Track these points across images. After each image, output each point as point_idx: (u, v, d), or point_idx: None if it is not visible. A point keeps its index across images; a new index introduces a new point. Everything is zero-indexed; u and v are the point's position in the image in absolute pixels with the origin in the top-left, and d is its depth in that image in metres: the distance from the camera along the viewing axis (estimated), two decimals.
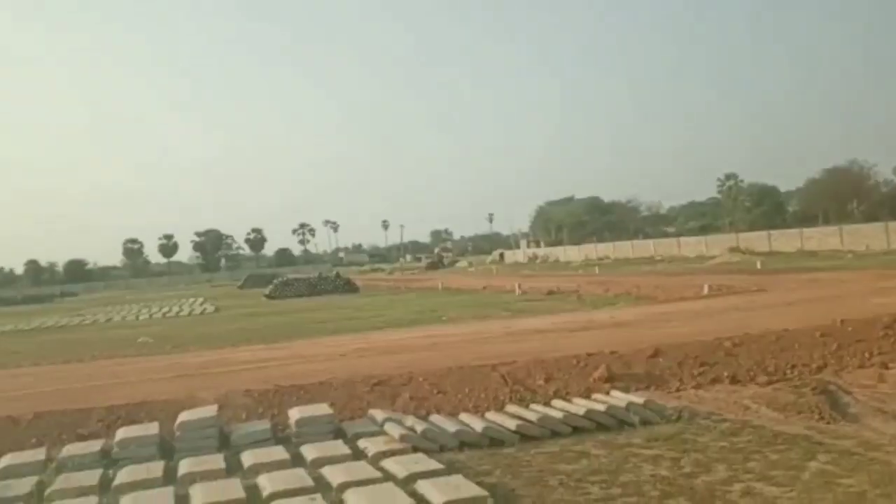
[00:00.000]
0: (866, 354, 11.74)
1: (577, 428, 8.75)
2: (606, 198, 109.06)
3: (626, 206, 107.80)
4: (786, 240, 54.79)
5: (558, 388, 10.54)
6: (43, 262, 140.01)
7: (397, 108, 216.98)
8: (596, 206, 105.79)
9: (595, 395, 9.92)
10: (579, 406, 9.25)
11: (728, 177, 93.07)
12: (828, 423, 8.69)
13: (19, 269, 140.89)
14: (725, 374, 11.13)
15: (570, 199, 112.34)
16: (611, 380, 10.74)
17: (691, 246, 63.99)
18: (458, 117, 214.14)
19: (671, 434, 8.33)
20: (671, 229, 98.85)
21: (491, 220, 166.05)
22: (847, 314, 13.54)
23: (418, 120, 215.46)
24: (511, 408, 9.62)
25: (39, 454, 8.51)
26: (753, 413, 9.24)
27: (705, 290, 23.14)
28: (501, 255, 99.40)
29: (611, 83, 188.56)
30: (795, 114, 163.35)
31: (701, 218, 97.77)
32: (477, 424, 8.69)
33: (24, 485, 7.52)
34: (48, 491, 7.31)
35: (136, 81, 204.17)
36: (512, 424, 8.63)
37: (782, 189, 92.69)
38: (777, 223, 72.38)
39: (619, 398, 9.53)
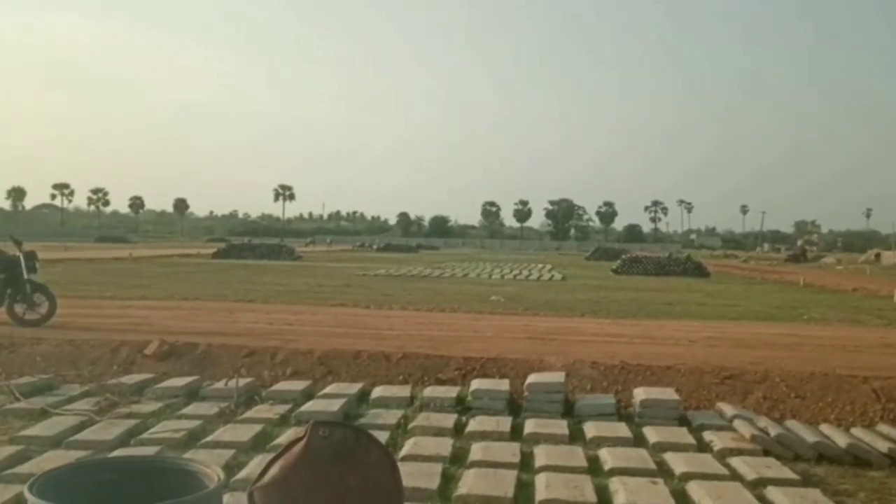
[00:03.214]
0: None
1: None
2: None
3: None
4: None
5: None
6: (412, 215, 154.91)
7: (781, 92, 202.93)
8: None
9: None
10: None
11: None
12: None
13: (392, 220, 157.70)
14: None
15: None
16: None
17: None
18: (843, 101, 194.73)
19: None
20: None
21: (868, 216, 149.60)
22: None
23: (798, 94, 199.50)
24: (883, 427, 8.61)
25: (405, 391, 9.46)
26: None
27: None
28: (877, 256, 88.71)
29: None
30: None
31: None
32: (840, 439, 7.92)
33: (392, 416, 8.46)
34: (411, 426, 8.14)
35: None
36: (883, 446, 7.73)
37: None
38: None
39: None
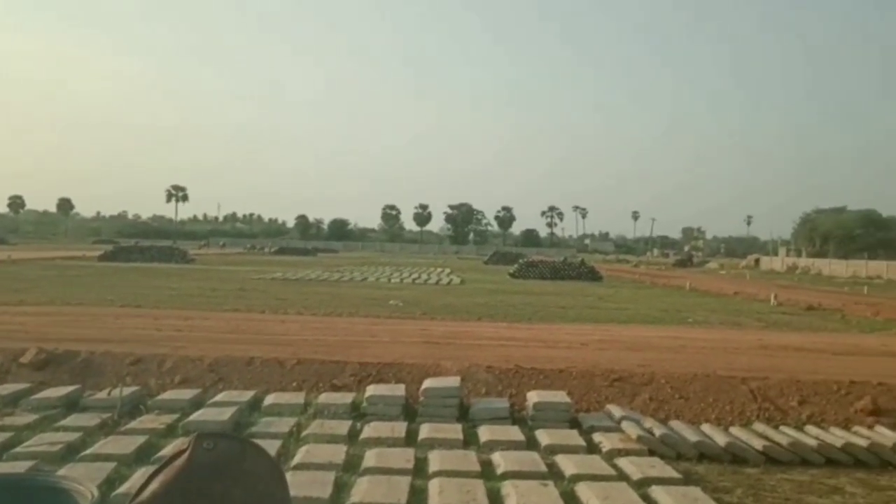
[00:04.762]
0: None
1: (830, 460, 8.06)
2: (885, 212, 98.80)
3: None
4: None
5: (813, 413, 9.75)
6: (311, 218, 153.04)
7: (666, 103, 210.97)
8: (871, 220, 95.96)
9: (856, 428, 9.09)
10: (836, 437, 8.51)
11: None
12: None
13: (290, 223, 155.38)
14: None
15: (841, 210, 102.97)
16: (875, 413, 9.74)
17: None
18: (726, 112, 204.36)
19: None
20: None
21: (749, 223, 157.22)
22: None
23: (684, 115, 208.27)
24: (758, 426, 9.06)
25: (299, 398, 9.33)
26: None
27: None
28: (756, 261, 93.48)
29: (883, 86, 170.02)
30: None
31: None
32: (720, 438, 8.28)
33: (284, 424, 8.31)
34: (304, 433, 8.03)
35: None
36: (758, 444, 8.13)
37: None
38: None
39: (884, 435, 8.65)
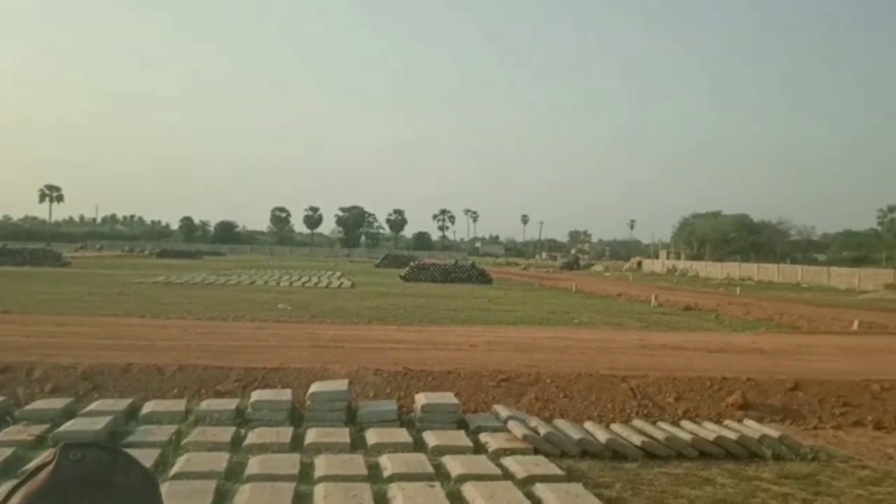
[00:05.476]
0: None
1: (703, 453, 8.45)
2: (756, 216, 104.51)
3: (776, 227, 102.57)
4: None
5: (688, 408, 10.21)
6: (196, 220, 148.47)
7: (549, 104, 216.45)
8: (744, 224, 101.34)
9: (727, 422, 9.55)
10: (709, 431, 8.93)
11: (891, 209, 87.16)
12: None
13: (174, 225, 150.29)
14: (870, 418, 10.43)
15: (717, 214, 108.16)
16: (745, 407, 10.30)
17: (843, 277, 60.12)
18: (609, 120, 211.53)
19: (805, 474, 7.88)
20: (822, 257, 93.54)
21: (632, 227, 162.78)
22: None
23: (569, 118, 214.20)
24: (637, 422, 9.40)
25: (179, 405, 9.05)
26: None
27: (855, 326, 21.73)
28: (639, 264, 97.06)
29: (771, 101, 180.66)
30: None
31: (857, 249, 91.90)
32: (601, 435, 8.54)
33: (164, 432, 8.04)
34: (184, 441, 7.78)
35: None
36: (637, 440, 8.43)
37: None
38: None
39: (752, 428, 9.13)
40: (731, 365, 12.35)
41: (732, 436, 8.68)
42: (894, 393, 11.07)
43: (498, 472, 7.17)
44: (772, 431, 8.95)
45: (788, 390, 10.92)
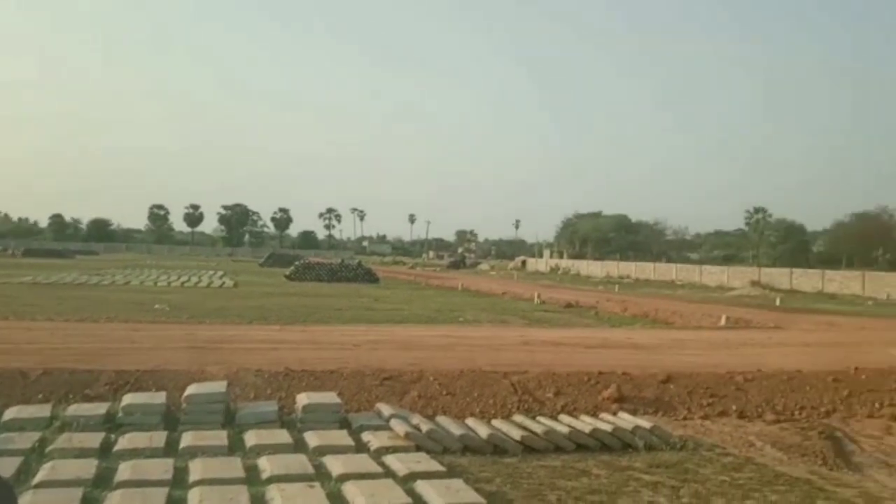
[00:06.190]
0: (877, 405, 11.59)
1: (580, 445, 8.70)
2: (634, 217, 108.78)
3: (653, 227, 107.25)
4: (807, 279, 54.06)
5: (567, 402, 10.50)
6: (67, 217, 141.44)
7: (436, 105, 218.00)
8: (623, 224, 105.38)
9: (603, 415, 9.88)
10: (586, 424, 9.20)
11: (757, 210, 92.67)
12: (830, 469, 8.59)
13: (44, 223, 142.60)
14: (734, 407, 11.03)
15: (597, 215, 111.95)
16: (620, 400, 10.68)
17: (713, 275, 63.40)
18: (493, 119, 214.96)
19: (674, 462, 8.26)
20: (695, 256, 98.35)
21: (517, 227, 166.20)
22: (862, 362, 13.34)
23: (456, 118, 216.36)
24: (518, 417, 9.59)
25: (45, 410, 8.58)
26: (757, 450, 9.13)
27: (722, 322, 22.92)
28: (524, 263, 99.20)
29: (647, 106, 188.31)
30: (830, 156, 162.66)
31: (726, 248, 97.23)
32: (482, 430, 8.66)
33: (27, 440, 7.60)
34: (49, 448, 7.38)
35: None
36: (517, 434, 8.60)
37: (809, 228, 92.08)
38: (800, 262, 71.63)
39: (626, 420, 9.48)
40: (608, 360, 12.78)
41: (607, 428, 8.98)
42: (756, 384, 11.74)
43: (379, 470, 7.15)
44: (644, 423, 9.31)
45: (661, 383, 11.40)
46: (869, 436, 10.20)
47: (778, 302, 35.99)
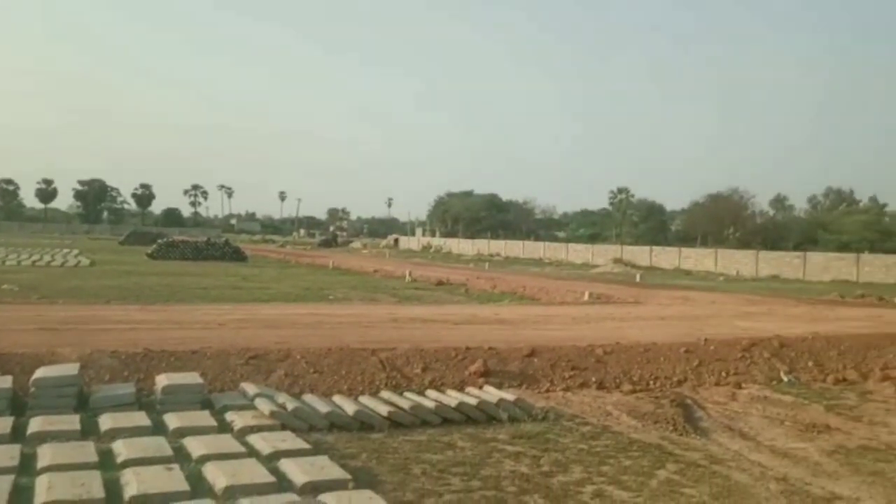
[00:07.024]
0: (723, 373, 12.41)
1: (447, 419, 8.85)
2: (504, 196, 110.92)
3: (523, 206, 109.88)
4: (665, 256, 57.04)
5: (434, 378, 10.63)
6: None
7: (311, 84, 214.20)
8: (493, 203, 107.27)
9: (469, 389, 10.08)
10: (452, 398, 9.35)
11: (620, 190, 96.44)
12: (680, 434, 9.10)
13: None
14: (594, 379, 11.50)
15: (469, 194, 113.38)
16: (486, 375, 10.91)
17: (579, 252, 65.74)
18: (371, 100, 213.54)
19: (535, 433, 8.54)
20: (562, 234, 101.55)
21: (389, 205, 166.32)
22: (711, 333, 14.22)
23: (331, 101, 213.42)
24: (385, 394, 9.63)
25: None
26: (614, 419, 9.58)
27: (586, 297, 23.80)
28: (396, 241, 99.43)
29: (519, 87, 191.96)
30: (691, 137, 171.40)
31: (592, 227, 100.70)
32: (349, 407, 8.65)
33: None
34: None
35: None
36: (384, 410, 8.64)
37: (668, 208, 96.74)
38: (660, 240, 75.46)
39: (491, 393, 9.70)
40: (476, 335, 13.02)
41: (473, 402, 9.17)
42: (614, 356, 12.28)
43: (242, 450, 7.02)
44: (508, 396, 9.56)
45: (525, 357, 11.73)
46: (715, 402, 10.90)
47: (638, 278, 37.73)
